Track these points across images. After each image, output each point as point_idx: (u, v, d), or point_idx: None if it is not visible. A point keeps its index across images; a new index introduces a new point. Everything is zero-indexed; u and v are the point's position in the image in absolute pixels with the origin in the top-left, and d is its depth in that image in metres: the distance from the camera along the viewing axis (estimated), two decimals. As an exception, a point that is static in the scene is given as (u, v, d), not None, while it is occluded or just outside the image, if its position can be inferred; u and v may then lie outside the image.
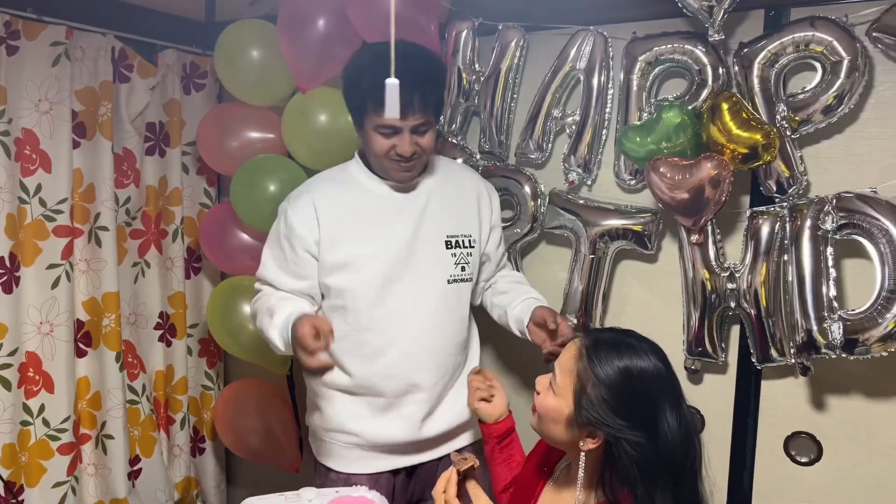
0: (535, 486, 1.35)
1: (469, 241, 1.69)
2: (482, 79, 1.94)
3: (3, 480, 1.97)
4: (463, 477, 1.20)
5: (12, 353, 2.02)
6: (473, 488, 1.19)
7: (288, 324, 1.54)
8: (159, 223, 2.41)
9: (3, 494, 2.00)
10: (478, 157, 1.98)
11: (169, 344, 2.47)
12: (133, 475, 2.32)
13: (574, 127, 1.83)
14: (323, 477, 1.75)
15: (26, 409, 2.06)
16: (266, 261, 1.73)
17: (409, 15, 1.92)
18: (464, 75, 1.97)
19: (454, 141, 2.00)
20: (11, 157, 1.99)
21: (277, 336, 1.58)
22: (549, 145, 1.89)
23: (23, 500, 2.05)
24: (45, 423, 2.10)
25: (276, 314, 1.61)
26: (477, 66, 1.97)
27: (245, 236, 2.24)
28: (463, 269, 1.68)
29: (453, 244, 1.67)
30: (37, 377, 2.07)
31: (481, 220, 1.73)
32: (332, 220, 1.63)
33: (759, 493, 1.70)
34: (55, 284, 2.09)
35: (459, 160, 1.97)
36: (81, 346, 2.16)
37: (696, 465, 1.20)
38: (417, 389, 1.66)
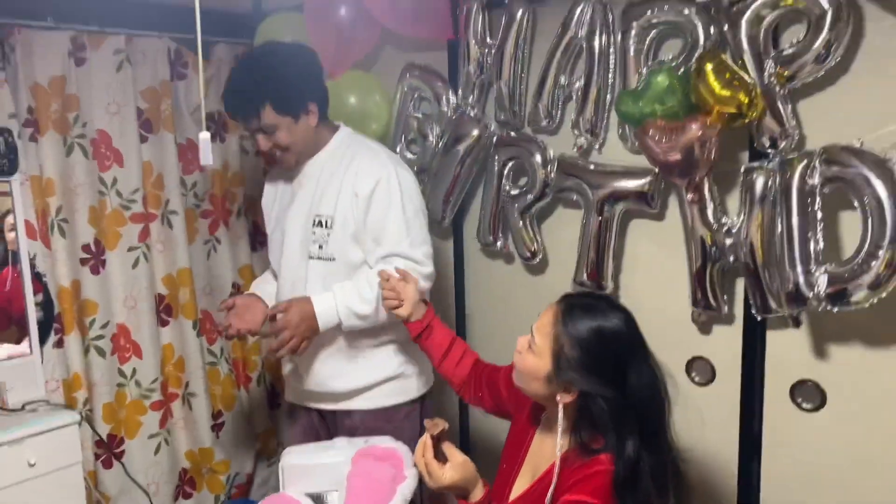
0: (527, 433, 1.49)
1: (329, 221, 1.83)
2: (493, 51, 2.03)
3: (100, 436, 2.31)
4: (437, 439, 1.34)
5: (104, 326, 2.34)
6: (448, 448, 1.34)
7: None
8: (225, 203, 2.66)
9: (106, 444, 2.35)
10: (493, 126, 2.08)
11: (242, 311, 2.75)
12: (217, 427, 2.64)
13: (579, 93, 1.89)
14: None
15: (121, 373, 2.40)
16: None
17: (421, -5, 2.03)
18: (476, 49, 2.06)
19: (471, 114, 2.10)
20: (90, 157, 2.28)
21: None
22: (559, 112, 1.97)
23: (123, 451, 2.40)
24: (138, 384, 2.43)
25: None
26: (489, 39, 2.05)
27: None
28: (321, 247, 1.84)
29: (317, 223, 1.85)
30: (127, 345, 2.40)
31: (344, 205, 1.82)
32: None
33: (769, 439, 1.76)
34: (135, 264, 2.40)
35: (473, 131, 2.09)
36: (163, 316, 2.47)
37: (662, 413, 1.31)
38: None
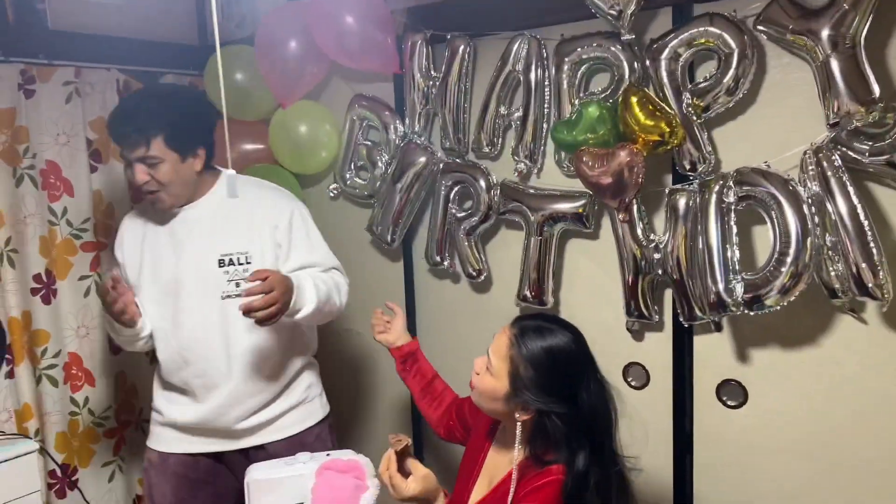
0: (483, 445, 1.60)
1: (245, 257, 1.83)
2: (437, 83, 2.17)
3: (57, 464, 2.31)
4: (400, 454, 1.43)
5: (56, 355, 2.35)
6: (411, 462, 1.43)
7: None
8: (176, 230, 2.70)
9: (59, 475, 2.35)
10: (439, 153, 2.21)
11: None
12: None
13: (518, 122, 2.04)
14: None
15: (73, 401, 2.40)
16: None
17: (367, 31, 2.16)
18: (421, 81, 2.19)
19: (418, 141, 2.23)
20: (39, 187, 2.30)
21: None
22: (500, 140, 2.11)
23: (77, 480, 2.40)
24: (91, 412, 2.44)
25: None
26: (433, 72, 2.19)
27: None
28: (237, 285, 1.81)
29: (227, 262, 1.83)
30: (80, 374, 2.41)
31: (261, 239, 1.84)
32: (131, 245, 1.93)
33: (699, 435, 1.93)
34: (87, 293, 2.42)
35: (420, 158, 2.21)
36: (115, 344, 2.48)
37: (610, 425, 1.43)
38: (215, 387, 1.87)
